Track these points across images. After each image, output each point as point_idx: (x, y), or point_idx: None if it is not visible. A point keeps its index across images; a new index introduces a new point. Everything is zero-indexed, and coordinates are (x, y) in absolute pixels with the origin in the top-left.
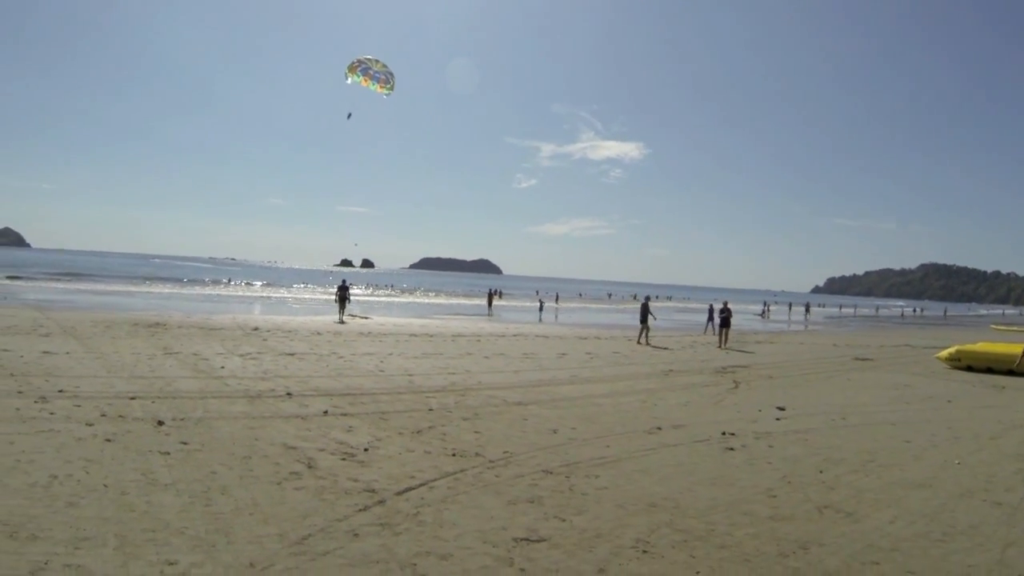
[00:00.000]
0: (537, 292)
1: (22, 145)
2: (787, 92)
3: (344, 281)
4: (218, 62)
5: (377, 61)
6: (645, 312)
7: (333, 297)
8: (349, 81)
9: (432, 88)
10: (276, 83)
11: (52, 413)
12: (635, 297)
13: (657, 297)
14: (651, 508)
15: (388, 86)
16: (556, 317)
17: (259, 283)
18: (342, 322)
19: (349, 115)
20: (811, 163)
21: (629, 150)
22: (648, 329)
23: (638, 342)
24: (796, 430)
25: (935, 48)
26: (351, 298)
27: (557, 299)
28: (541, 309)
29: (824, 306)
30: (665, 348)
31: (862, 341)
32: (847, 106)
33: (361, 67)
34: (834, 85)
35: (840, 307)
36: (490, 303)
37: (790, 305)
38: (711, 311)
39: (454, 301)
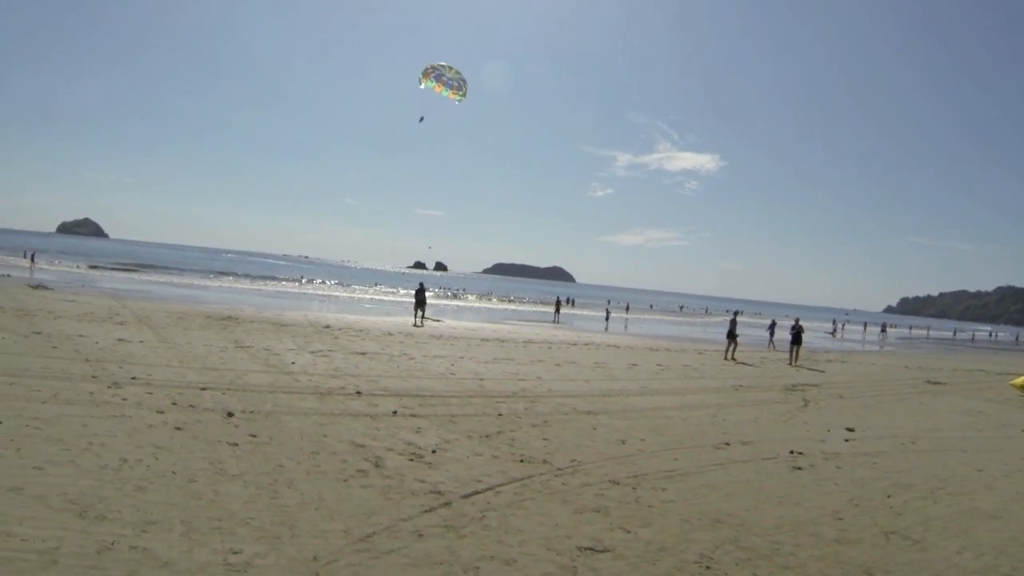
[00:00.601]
0: (608, 302)
1: (103, 139)
2: (864, 105)
3: (421, 284)
4: (298, 60)
5: (451, 68)
6: (734, 327)
7: (412, 300)
8: (423, 86)
9: (509, 93)
10: (356, 83)
11: (124, 399)
12: (707, 311)
13: (727, 311)
14: (716, 524)
15: (460, 93)
16: (626, 327)
17: (332, 281)
18: (418, 325)
19: (421, 119)
20: (888, 179)
21: (705, 162)
22: (736, 345)
23: (725, 357)
24: (865, 452)
25: (1019, 63)
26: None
27: (627, 309)
28: (607, 319)
29: (895, 327)
30: (750, 364)
31: (935, 364)
32: (927, 121)
33: (435, 73)
34: (913, 98)
35: (910, 328)
36: (558, 310)
37: (865, 324)
38: (772, 326)
39: (526, 308)
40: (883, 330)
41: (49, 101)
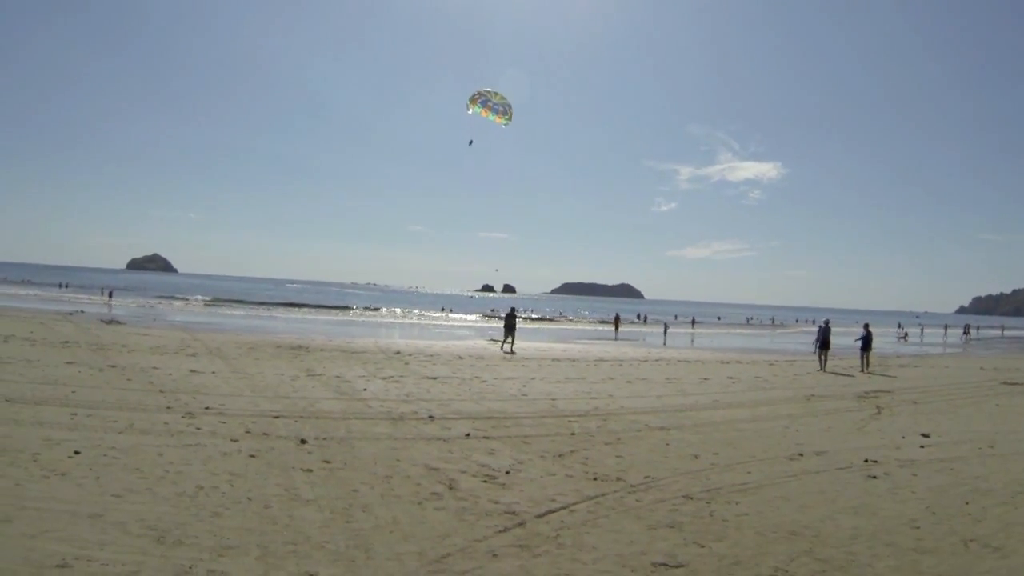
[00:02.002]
0: (675, 317)
1: (169, 178)
2: (922, 105)
3: (512, 309)
4: (355, 92)
5: (496, 93)
6: (826, 336)
7: (498, 324)
8: (470, 112)
9: (566, 110)
10: (412, 111)
11: (199, 428)
12: (773, 321)
13: (797, 320)
14: (791, 536)
15: (506, 117)
16: (692, 342)
17: (400, 308)
18: (508, 352)
19: (471, 142)
20: (952, 176)
21: (767, 170)
22: (828, 355)
23: (822, 369)
24: (941, 458)
25: None
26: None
27: (693, 323)
28: (665, 332)
29: (979, 327)
30: (849, 375)
31: (1011, 364)
32: (984, 116)
33: (481, 99)
34: (975, 92)
35: (978, 328)
36: (616, 327)
37: (945, 327)
38: (820, 331)
39: (595, 327)
40: (965, 332)
41: (114, 144)
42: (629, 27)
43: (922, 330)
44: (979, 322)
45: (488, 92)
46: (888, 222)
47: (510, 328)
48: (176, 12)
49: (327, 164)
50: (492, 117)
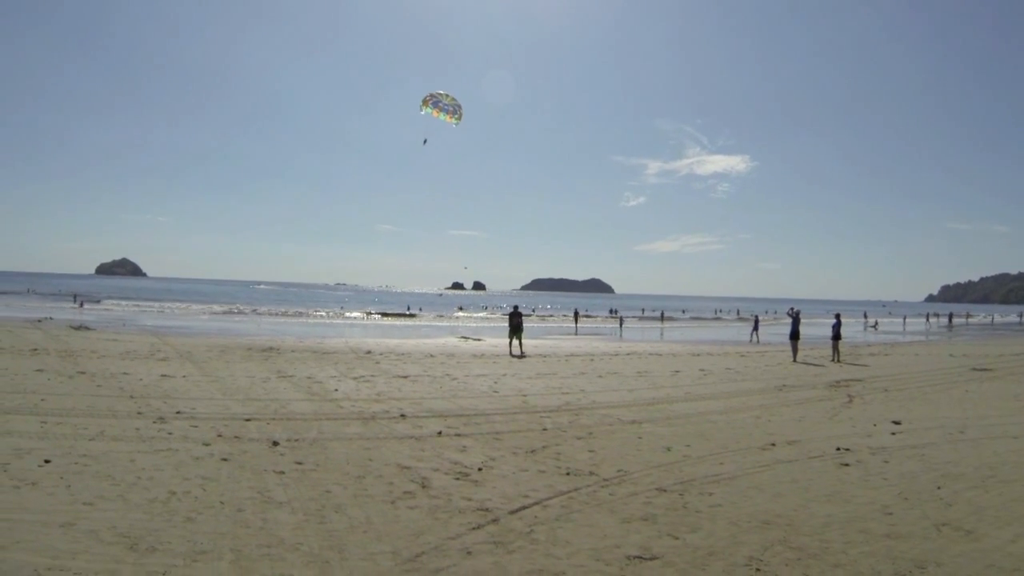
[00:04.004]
0: (643, 311)
1: (138, 181)
2: (890, 96)
3: (516, 307)
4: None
5: (447, 95)
6: (796, 326)
7: (505, 325)
8: (423, 112)
9: (534, 106)
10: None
11: (170, 433)
12: (738, 312)
13: (767, 312)
14: (765, 525)
15: (456, 116)
16: (662, 335)
17: (371, 308)
18: (516, 354)
19: (425, 141)
20: (920, 167)
21: (735, 163)
22: (799, 345)
23: (794, 360)
24: (912, 445)
25: None
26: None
27: (663, 317)
28: (621, 325)
29: (970, 315)
30: (821, 366)
31: (979, 351)
32: (952, 107)
33: (433, 100)
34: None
35: (936, 315)
36: (576, 320)
37: (927, 316)
38: (757, 322)
39: (566, 324)
40: (951, 321)
41: (81, 147)
42: (597, 23)
43: (904, 319)
44: (947, 310)
45: (440, 94)
46: (857, 213)
47: (516, 328)
48: (143, 15)
49: (296, 165)
50: (443, 117)
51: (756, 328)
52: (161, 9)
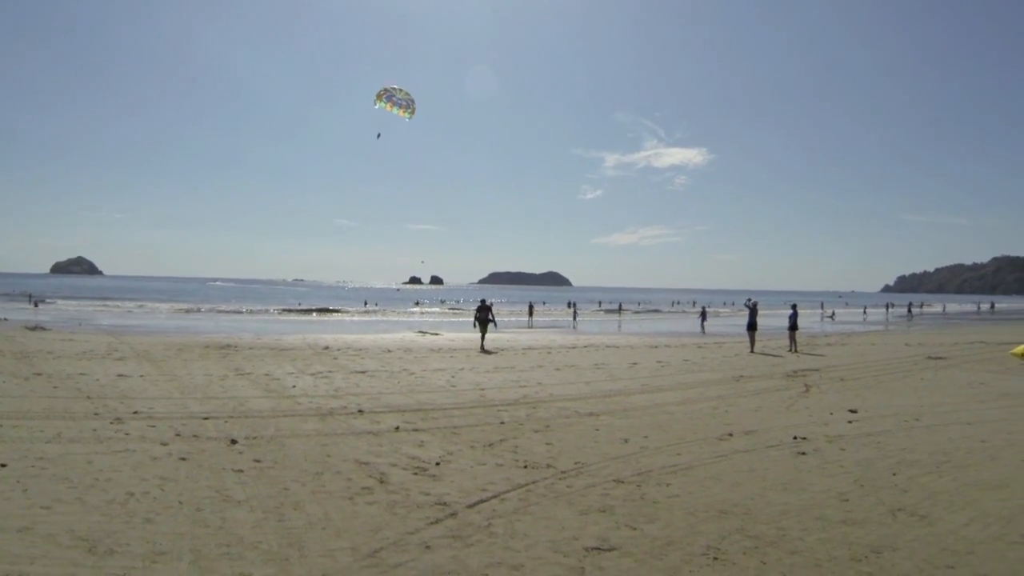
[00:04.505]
0: (600, 304)
1: (93, 176)
2: (847, 89)
3: (484, 301)
4: (278, 83)
5: (400, 90)
6: (753, 317)
7: (472, 320)
8: (377, 107)
9: (493, 100)
10: (339, 102)
11: (128, 434)
12: (694, 304)
13: (724, 304)
14: (722, 515)
15: (409, 111)
16: (620, 327)
17: (329, 304)
18: (486, 351)
19: (378, 135)
20: (876, 159)
21: (692, 156)
22: (757, 336)
23: (752, 351)
24: (868, 432)
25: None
26: (496, 320)
27: (620, 309)
28: (575, 317)
29: (927, 305)
30: (779, 356)
31: (935, 340)
32: (909, 100)
33: (387, 95)
34: (894, 80)
35: (892, 305)
36: (530, 314)
37: (888, 306)
38: (703, 313)
39: (523, 318)
40: (909, 311)
41: (35, 141)
42: (557, 17)
43: (865, 310)
44: (903, 300)
45: (394, 88)
46: (814, 205)
47: (483, 322)
48: (98, 4)
49: (252, 158)
50: (396, 111)
51: (704, 318)
52: None
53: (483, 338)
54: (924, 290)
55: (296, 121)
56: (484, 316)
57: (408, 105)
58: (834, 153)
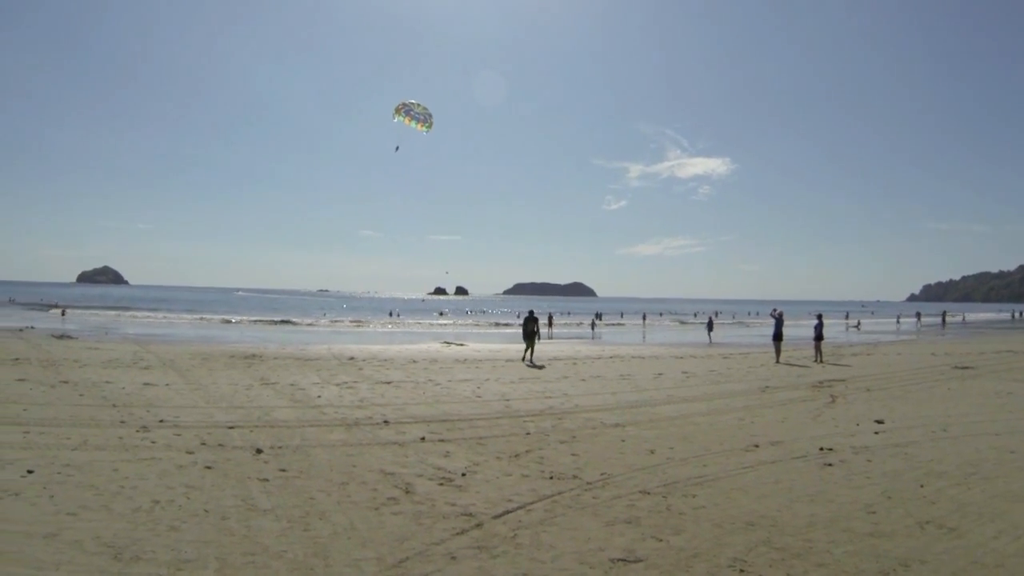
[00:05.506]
0: (622, 315)
1: (119, 189)
2: (869, 97)
3: (531, 312)
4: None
5: (418, 104)
6: (779, 327)
7: (520, 332)
8: (395, 120)
9: (516, 111)
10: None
11: (153, 442)
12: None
13: (749, 313)
14: (749, 527)
15: (427, 124)
16: (644, 338)
17: (353, 313)
18: (532, 364)
19: (397, 148)
20: (899, 168)
21: (716, 166)
22: (782, 346)
23: (777, 361)
24: (895, 444)
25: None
26: (541, 333)
27: (644, 319)
28: (593, 327)
29: (960, 315)
30: (805, 366)
31: (961, 349)
32: (930, 108)
33: (405, 108)
34: (916, 87)
35: (918, 314)
36: (550, 324)
37: (917, 315)
38: (711, 323)
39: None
40: (943, 321)
41: (62, 153)
42: (578, 28)
43: (898, 318)
44: (929, 309)
45: (412, 103)
46: (838, 214)
47: (529, 335)
48: (123, 21)
49: (276, 171)
50: (414, 125)
51: (711, 328)
52: (141, 13)
53: (529, 351)
54: (950, 299)
55: (318, 133)
56: (531, 328)
57: (426, 119)
58: (856, 161)
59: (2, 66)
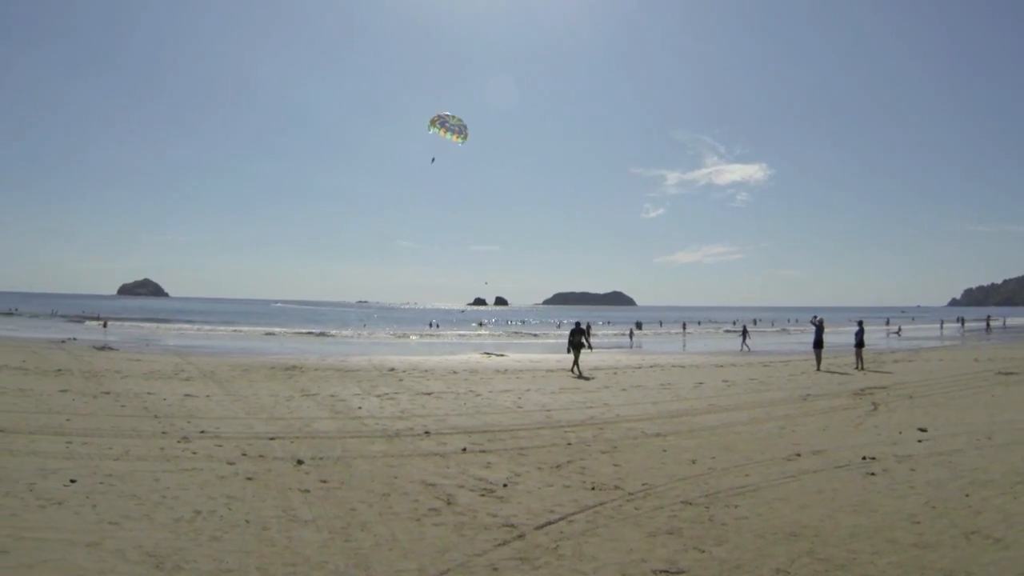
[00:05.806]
0: (661, 324)
1: (158, 201)
2: (904, 100)
3: (578, 323)
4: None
5: (453, 116)
6: (820, 335)
7: (566, 344)
8: (430, 132)
9: (554, 119)
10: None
11: (195, 452)
12: (755, 322)
13: (789, 320)
14: (791, 537)
15: (462, 136)
16: (684, 346)
17: (395, 326)
18: (581, 376)
19: (432, 160)
20: (938, 169)
21: (753, 172)
22: (823, 353)
23: (818, 369)
24: (939, 452)
25: None
26: (591, 344)
27: (684, 328)
28: (631, 336)
29: (1001, 319)
30: (845, 374)
31: (1005, 354)
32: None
33: (440, 120)
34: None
35: (961, 319)
36: (587, 335)
37: (962, 320)
38: (744, 330)
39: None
40: (988, 326)
41: (101, 166)
42: (611, 35)
43: (942, 324)
44: (971, 314)
45: (447, 115)
46: (876, 218)
47: (575, 346)
48: (159, 34)
49: (314, 182)
50: (449, 136)
51: (745, 336)
52: (177, 27)
53: (576, 363)
54: (992, 303)
55: (353, 143)
56: (577, 339)
57: (460, 131)
58: (893, 165)
59: (40, 80)
